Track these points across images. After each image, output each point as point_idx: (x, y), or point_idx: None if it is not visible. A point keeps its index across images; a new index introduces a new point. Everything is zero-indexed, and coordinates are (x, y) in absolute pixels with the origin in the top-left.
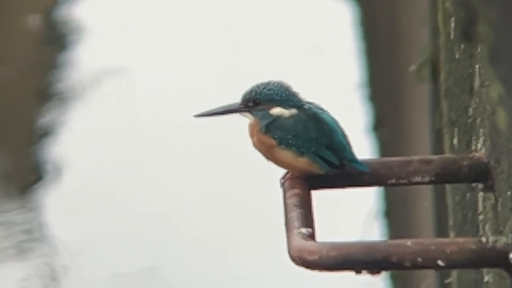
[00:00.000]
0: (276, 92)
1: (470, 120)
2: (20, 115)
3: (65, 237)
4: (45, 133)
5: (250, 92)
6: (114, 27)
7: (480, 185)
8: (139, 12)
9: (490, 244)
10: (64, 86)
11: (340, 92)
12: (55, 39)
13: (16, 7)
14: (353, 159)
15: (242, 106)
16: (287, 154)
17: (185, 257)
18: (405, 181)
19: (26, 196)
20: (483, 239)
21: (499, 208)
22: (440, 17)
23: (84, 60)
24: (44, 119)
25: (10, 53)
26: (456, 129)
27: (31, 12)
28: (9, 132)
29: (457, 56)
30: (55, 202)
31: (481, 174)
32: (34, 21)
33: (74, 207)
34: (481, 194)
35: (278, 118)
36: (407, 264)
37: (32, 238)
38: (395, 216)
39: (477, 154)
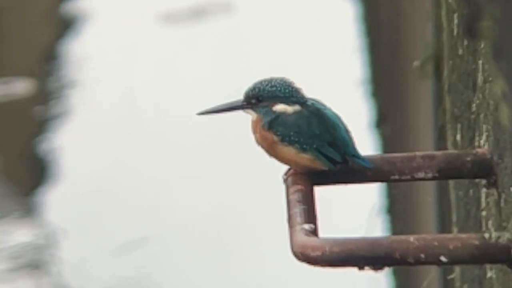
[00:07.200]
0: (279, 88)
1: (473, 116)
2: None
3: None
4: (43, 130)
5: (253, 89)
6: (114, 20)
7: (483, 181)
8: (141, 8)
9: (493, 240)
10: (65, 86)
11: (343, 88)
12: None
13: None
14: (356, 155)
15: (245, 103)
16: (289, 151)
17: (184, 255)
18: (408, 177)
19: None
20: (486, 235)
21: (502, 204)
22: (443, 13)
23: (88, 55)
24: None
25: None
26: (459, 125)
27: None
28: (9, 130)
29: (460, 52)
30: (54, 198)
31: (484, 170)
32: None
33: (73, 201)
34: (484, 190)
35: (281, 114)
36: (410, 260)
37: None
38: (398, 212)
39: (480, 150)
